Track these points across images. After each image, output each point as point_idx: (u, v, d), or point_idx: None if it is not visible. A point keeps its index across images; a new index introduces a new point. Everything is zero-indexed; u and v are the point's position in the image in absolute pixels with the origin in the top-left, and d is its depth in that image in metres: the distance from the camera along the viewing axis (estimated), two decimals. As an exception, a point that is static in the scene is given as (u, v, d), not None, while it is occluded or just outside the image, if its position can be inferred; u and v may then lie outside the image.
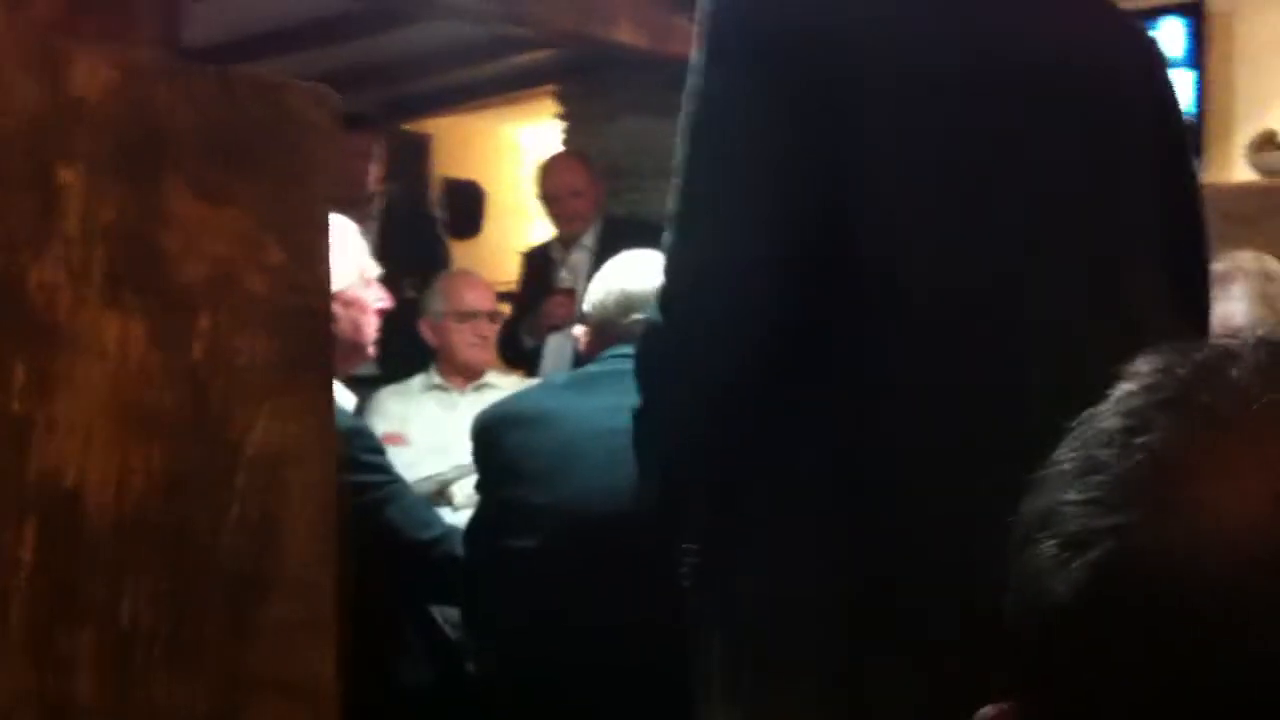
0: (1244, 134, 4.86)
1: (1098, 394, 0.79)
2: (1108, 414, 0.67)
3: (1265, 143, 4.69)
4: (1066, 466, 0.66)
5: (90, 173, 0.83)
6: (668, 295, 1.54)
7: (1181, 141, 1.75)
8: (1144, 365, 0.68)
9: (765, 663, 1.53)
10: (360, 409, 3.59)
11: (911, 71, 1.49)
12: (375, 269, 2.78)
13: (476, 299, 4.34)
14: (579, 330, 2.62)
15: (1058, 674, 0.64)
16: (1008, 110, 1.52)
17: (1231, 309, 3.14)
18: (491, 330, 4.37)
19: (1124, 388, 0.68)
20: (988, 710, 0.68)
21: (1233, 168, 4.91)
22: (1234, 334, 0.68)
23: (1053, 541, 0.63)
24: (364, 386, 4.11)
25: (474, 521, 2.51)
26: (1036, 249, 1.52)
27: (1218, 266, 3.25)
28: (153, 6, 0.98)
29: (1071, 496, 0.64)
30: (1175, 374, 0.66)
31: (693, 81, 1.51)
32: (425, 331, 4.26)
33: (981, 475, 1.46)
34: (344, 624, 1.17)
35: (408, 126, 8.00)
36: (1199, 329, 1.74)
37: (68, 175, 0.82)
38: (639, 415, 1.65)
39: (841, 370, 1.48)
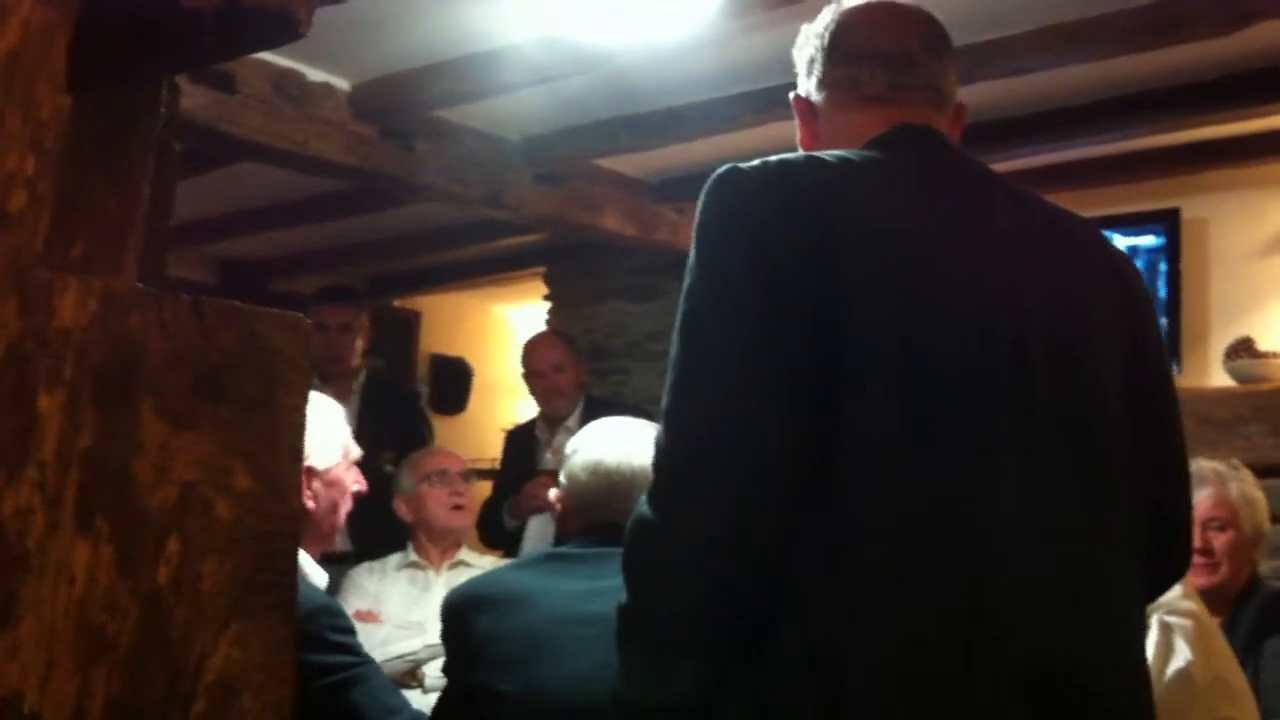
0: (1219, 339, 4.92)
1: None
2: None
3: (1241, 349, 4.74)
4: None
5: (69, 400, 0.85)
6: (658, 491, 1.52)
7: (1157, 351, 1.76)
8: None
9: None
10: (334, 586, 3.56)
11: (889, 269, 1.51)
12: (357, 451, 2.79)
13: (445, 461, 4.33)
14: (554, 494, 2.56)
15: None
16: (977, 309, 1.55)
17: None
18: (468, 490, 4.30)
19: None
20: None
21: (1209, 373, 4.96)
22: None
23: None
24: (337, 563, 4.08)
25: (439, 707, 2.45)
26: (1007, 455, 1.52)
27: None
28: (139, 232, 1.01)
29: None
30: None
31: (687, 281, 1.53)
32: (400, 509, 4.23)
33: (956, 699, 1.46)
34: None
35: (398, 303, 8.10)
36: (1174, 550, 1.77)
37: (47, 403, 0.84)
38: (624, 612, 1.59)
39: (811, 581, 1.48)
